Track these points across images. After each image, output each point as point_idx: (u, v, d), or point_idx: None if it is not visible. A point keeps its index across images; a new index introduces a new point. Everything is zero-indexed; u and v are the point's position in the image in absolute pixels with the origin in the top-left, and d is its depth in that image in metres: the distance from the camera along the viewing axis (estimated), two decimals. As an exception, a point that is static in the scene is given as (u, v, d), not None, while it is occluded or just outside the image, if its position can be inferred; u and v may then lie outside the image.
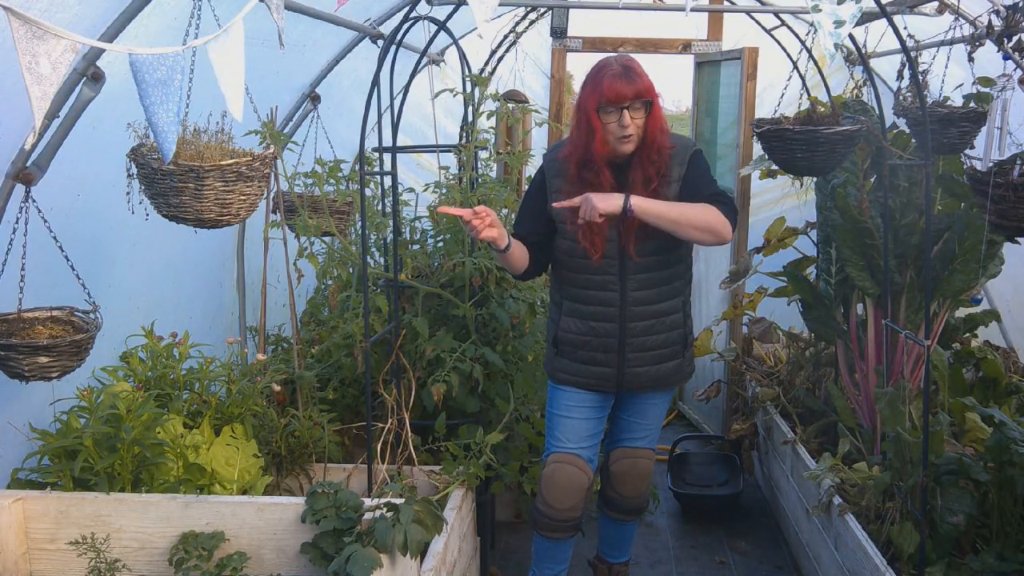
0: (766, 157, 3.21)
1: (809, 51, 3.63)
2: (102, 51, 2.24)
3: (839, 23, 2.42)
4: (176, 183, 2.30)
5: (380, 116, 3.10)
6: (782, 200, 5.18)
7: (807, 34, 3.65)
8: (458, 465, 3.00)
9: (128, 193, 2.39)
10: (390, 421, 3.05)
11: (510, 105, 3.83)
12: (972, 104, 3.07)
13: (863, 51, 3.38)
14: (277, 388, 3.06)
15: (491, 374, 3.39)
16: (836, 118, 2.97)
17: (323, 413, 3.09)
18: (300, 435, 2.98)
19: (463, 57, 3.63)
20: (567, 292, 2.75)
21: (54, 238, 2.41)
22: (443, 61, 5.39)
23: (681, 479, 4.14)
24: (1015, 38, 2.77)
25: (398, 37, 2.98)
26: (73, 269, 2.47)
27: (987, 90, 3.00)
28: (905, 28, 3.20)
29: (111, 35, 2.36)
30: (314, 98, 4.06)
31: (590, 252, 2.63)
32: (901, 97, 3.26)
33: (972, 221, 3.24)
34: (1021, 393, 3.55)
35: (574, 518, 2.84)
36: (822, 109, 3.16)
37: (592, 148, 2.57)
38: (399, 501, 2.43)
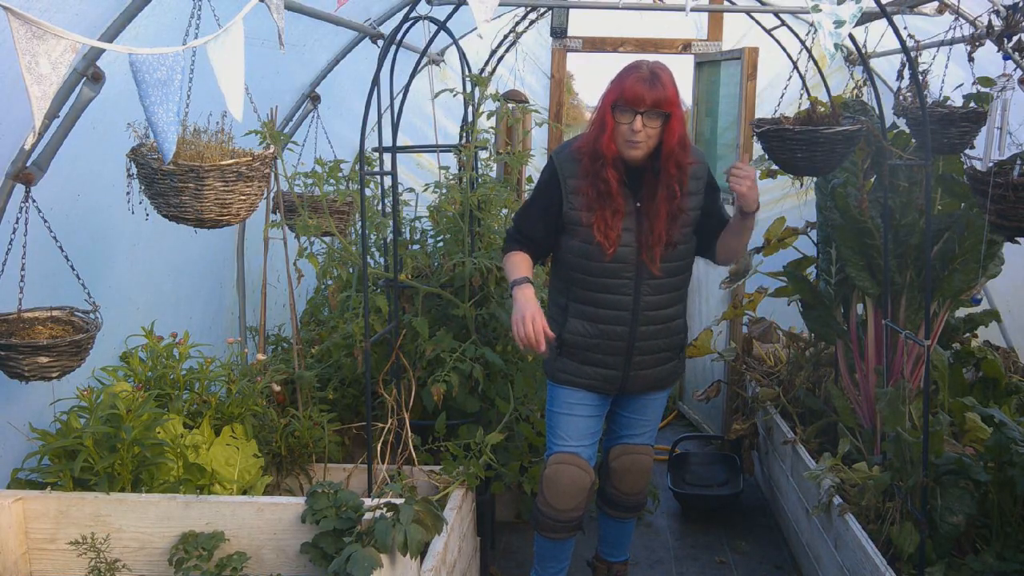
0: (766, 157, 3.20)
1: (809, 51, 3.62)
2: (102, 51, 2.24)
3: (839, 23, 2.42)
4: (176, 183, 2.30)
5: (380, 116, 3.10)
6: (782, 200, 5.18)
7: (807, 34, 3.65)
8: (458, 465, 3.00)
9: (128, 193, 2.39)
10: (390, 421, 3.05)
11: (510, 105, 3.83)
12: (972, 104, 3.06)
13: (863, 51, 3.37)
14: (277, 388, 3.06)
15: (491, 374, 3.39)
16: (836, 118, 2.96)
17: (323, 413, 3.09)
18: (300, 435, 2.98)
19: (463, 57, 3.63)
20: (575, 294, 2.74)
21: (54, 238, 2.41)
22: (443, 61, 5.39)
23: (681, 479, 4.14)
24: (1015, 38, 2.77)
25: (398, 37, 2.98)
26: (73, 269, 2.47)
27: (987, 90, 3.00)
28: (905, 28, 3.19)
29: (111, 35, 2.36)
30: (314, 98, 4.07)
31: (604, 247, 2.62)
32: (901, 97, 3.26)
33: (972, 221, 3.24)
34: (1021, 393, 3.54)
35: (576, 518, 2.84)
36: (822, 109, 3.15)
37: (600, 143, 2.58)
38: (399, 501, 2.43)
